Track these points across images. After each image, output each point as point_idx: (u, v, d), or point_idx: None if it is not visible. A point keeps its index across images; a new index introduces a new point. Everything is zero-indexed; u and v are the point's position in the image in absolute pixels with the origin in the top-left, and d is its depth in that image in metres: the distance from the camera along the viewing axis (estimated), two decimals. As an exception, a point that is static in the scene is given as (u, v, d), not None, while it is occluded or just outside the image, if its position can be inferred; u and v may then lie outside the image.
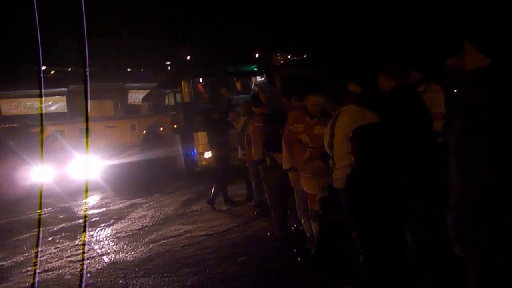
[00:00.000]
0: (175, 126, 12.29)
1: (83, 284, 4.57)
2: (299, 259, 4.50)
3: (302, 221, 4.82)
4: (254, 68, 12.18)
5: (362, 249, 3.50)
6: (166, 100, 14.47)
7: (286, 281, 4.19)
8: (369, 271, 3.53)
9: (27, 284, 4.79)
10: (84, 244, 6.22)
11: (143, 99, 19.51)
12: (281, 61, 15.26)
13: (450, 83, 5.21)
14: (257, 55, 12.58)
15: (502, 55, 1.78)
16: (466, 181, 1.76)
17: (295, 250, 4.66)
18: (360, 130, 3.45)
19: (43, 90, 22.37)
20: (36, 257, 5.77)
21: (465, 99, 1.85)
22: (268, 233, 5.69)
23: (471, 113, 1.76)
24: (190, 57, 11.51)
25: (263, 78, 12.22)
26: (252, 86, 12.49)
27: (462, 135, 1.79)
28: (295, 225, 5.65)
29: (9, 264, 5.57)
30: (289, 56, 16.14)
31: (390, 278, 3.53)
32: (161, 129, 14.21)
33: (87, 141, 17.23)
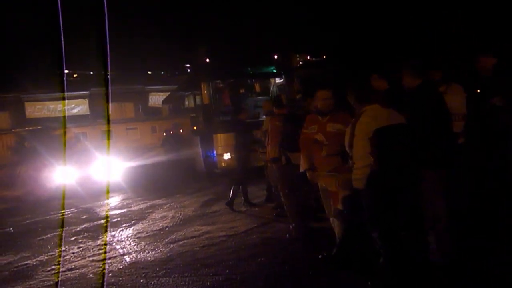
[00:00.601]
0: (195, 128, 12.40)
1: (105, 283, 4.66)
2: (319, 256, 4.50)
3: (331, 220, 4.80)
4: (272, 69, 12.20)
5: (382, 249, 3.48)
6: (186, 102, 14.61)
7: (304, 282, 4.18)
8: (389, 272, 3.50)
9: (51, 283, 4.91)
10: (106, 244, 6.32)
11: (163, 102, 19.74)
12: (300, 62, 15.26)
13: (473, 83, 5.17)
14: (276, 57, 12.59)
15: None
16: None
17: (320, 256, 4.63)
18: (381, 132, 3.43)
19: (66, 93, 22.87)
20: (60, 256, 5.89)
21: None
22: (287, 235, 5.70)
23: None
24: (209, 60, 11.60)
25: (282, 80, 12.23)
26: (271, 88, 12.49)
27: None
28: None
29: (34, 263, 5.71)
30: (308, 57, 16.13)
31: (408, 279, 3.51)
32: (181, 131, 14.35)
33: (108, 143, 17.52)
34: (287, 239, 5.59)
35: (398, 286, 3.50)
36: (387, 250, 3.48)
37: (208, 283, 4.37)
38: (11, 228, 8.06)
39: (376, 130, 3.43)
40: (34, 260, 5.84)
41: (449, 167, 3.93)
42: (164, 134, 15.32)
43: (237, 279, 4.42)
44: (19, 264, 5.74)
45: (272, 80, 12.55)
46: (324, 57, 16.79)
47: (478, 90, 5.53)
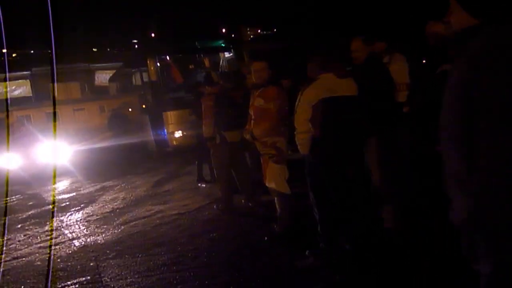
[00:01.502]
0: (144, 106, 12.11)
1: (53, 269, 4.54)
2: (265, 238, 4.56)
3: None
4: (221, 43, 12.02)
5: (317, 212, 3.65)
6: (134, 80, 14.20)
7: (255, 255, 4.25)
8: (323, 236, 3.67)
9: (-4, 273, 4.73)
10: (54, 230, 6.13)
11: (110, 80, 19.09)
12: (251, 36, 15.11)
13: (418, 52, 5.28)
14: (223, 30, 12.40)
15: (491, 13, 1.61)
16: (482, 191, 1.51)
17: (274, 226, 4.71)
18: (328, 101, 3.48)
19: (4, 75, 21.63)
20: (5, 245, 5.67)
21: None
22: (215, 206, 5.98)
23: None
24: (154, 34, 11.25)
25: (232, 54, 12.09)
26: (221, 63, 12.35)
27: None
28: (243, 200, 5.95)
29: (-23, 254, 5.46)
30: (259, 31, 15.98)
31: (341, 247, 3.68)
32: (130, 109, 13.97)
33: (54, 125, 16.83)
34: (237, 214, 5.66)
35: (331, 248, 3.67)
36: (323, 217, 3.64)
37: (160, 262, 4.36)
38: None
39: (323, 99, 3.48)
40: (-23, 251, 5.59)
41: (391, 134, 4.06)
42: (109, 114, 14.83)
43: (189, 255, 4.43)
44: (-40, 256, 5.48)
45: (221, 55, 12.39)
46: (275, 30, 16.72)
47: (424, 61, 5.69)
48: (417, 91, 4.67)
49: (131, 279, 4.05)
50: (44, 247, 5.37)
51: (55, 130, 15.54)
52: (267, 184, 4.49)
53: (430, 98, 4.98)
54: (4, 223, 6.57)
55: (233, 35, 12.78)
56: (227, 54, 12.23)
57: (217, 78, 6.35)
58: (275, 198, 4.56)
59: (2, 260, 5.10)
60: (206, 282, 3.78)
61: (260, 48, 11.86)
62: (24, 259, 5.02)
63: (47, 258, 4.96)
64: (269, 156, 4.37)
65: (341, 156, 3.55)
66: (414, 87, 4.54)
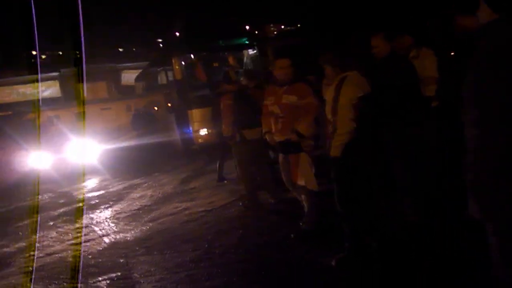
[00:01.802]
0: (169, 105, 12.23)
1: (85, 265, 4.65)
2: (292, 236, 4.53)
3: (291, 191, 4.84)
4: (245, 41, 12.02)
5: (347, 220, 3.61)
6: (159, 79, 14.35)
7: (282, 252, 4.25)
8: (349, 238, 3.63)
9: (30, 269, 4.87)
10: (84, 227, 6.27)
11: (136, 79, 19.35)
12: (275, 32, 15.06)
13: (446, 46, 5.18)
14: (247, 28, 12.41)
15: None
16: (487, 140, 1.64)
17: (300, 223, 4.69)
18: (364, 98, 3.48)
19: (35, 76, 22.23)
20: (38, 242, 5.84)
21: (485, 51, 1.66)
22: (240, 203, 6.00)
23: (493, 64, 1.60)
24: (179, 33, 11.35)
25: (255, 51, 12.09)
26: (245, 60, 12.36)
27: (482, 87, 1.64)
28: (269, 198, 5.93)
29: (12, 250, 5.64)
30: (282, 27, 15.91)
31: (367, 246, 3.64)
32: (155, 108, 14.14)
33: (83, 124, 17.18)
34: (264, 211, 5.66)
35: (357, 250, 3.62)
36: (352, 221, 3.61)
37: (188, 258, 4.41)
38: (-14, 217, 7.92)
39: (361, 96, 3.48)
40: (12, 247, 5.77)
41: (419, 129, 4.00)
42: (133, 113, 15.02)
43: (216, 252, 4.47)
44: (-3, 252, 5.67)
45: (245, 52, 12.40)
46: (299, 26, 16.59)
47: (452, 53, 5.57)
48: (446, 85, 4.58)
49: (160, 275, 4.11)
50: (76, 244, 5.51)
51: (83, 129, 15.88)
52: (298, 182, 4.44)
53: (459, 92, 4.91)
54: (38, 221, 6.78)
55: (256, 32, 12.78)
56: (251, 51, 12.23)
57: (235, 76, 6.38)
58: (303, 196, 4.53)
59: (36, 256, 5.25)
60: (234, 279, 3.80)
61: (284, 44, 11.80)
62: (57, 255, 5.17)
63: (79, 254, 5.08)
64: (305, 149, 4.33)
65: (375, 156, 3.55)
66: (443, 81, 4.45)
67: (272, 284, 3.66)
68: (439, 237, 3.69)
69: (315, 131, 4.40)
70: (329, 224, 4.42)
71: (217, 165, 7.66)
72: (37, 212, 7.21)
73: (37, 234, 6.20)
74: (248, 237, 4.85)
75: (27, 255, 5.38)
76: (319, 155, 4.67)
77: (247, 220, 5.46)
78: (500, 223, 1.71)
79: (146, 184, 8.64)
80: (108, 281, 4.18)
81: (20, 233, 6.39)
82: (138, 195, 7.81)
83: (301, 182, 4.41)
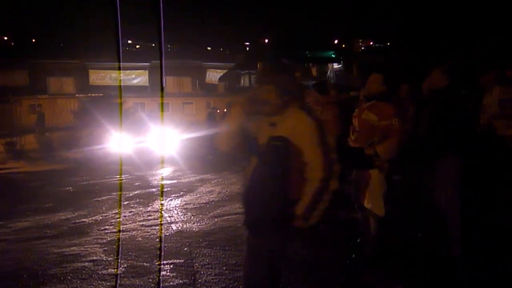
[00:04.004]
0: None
1: (152, 248, 4.94)
2: (353, 256, 4.47)
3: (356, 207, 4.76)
4: (331, 54, 12.06)
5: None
6: (242, 81, 14.76)
7: (339, 271, 4.22)
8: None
9: (104, 241, 5.26)
10: (155, 211, 6.64)
11: (220, 79, 20.02)
12: (362, 48, 14.92)
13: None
14: (336, 42, 12.43)
15: None
16: None
17: (358, 240, 4.65)
18: None
19: (127, 64, 23.72)
20: (113, 218, 6.29)
21: None
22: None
23: None
24: (268, 40, 11.64)
25: (340, 66, 12.08)
26: (328, 73, 12.38)
27: None
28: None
29: (89, 221, 6.13)
30: (371, 43, 15.69)
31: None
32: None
33: (163, 115, 18.05)
34: (329, 225, 5.64)
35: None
36: None
37: (234, 262, 4.52)
38: (70, 188, 8.65)
39: None
40: (90, 219, 6.26)
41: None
42: (210, 110, 15.52)
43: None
44: (76, 221, 6.18)
45: (330, 65, 12.43)
46: (388, 44, 16.28)
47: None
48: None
49: (219, 270, 4.27)
50: (146, 226, 5.85)
51: (164, 119, 16.68)
52: (365, 205, 4.36)
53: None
54: (115, 198, 7.28)
55: (344, 46, 12.75)
56: (335, 65, 12.23)
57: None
58: (370, 219, 4.47)
59: (109, 231, 5.67)
60: (292, 285, 3.85)
61: (372, 61, 11.69)
62: (128, 233, 5.53)
63: (148, 236, 5.40)
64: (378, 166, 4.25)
65: None
66: None
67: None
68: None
69: (395, 156, 4.26)
70: (394, 251, 4.34)
71: None
72: (116, 191, 7.73)
73: (112, 211, 6.68)
74: (309, 248, 4.86)
75: (102, 228, 5.81)
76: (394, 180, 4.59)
77: (311, 231, 5.47)
78: None
79: (215, 181, 8.93)
80: (171, 266, 4.41)
81: (98, 207, 6.90)
82: (207, 189, 8.11)
83: (368, 204, 4.31)
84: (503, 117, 4.92)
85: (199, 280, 4.09)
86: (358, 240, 4.66)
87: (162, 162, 10.77)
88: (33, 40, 29.96)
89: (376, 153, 4.16)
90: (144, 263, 4.49)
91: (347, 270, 4.20)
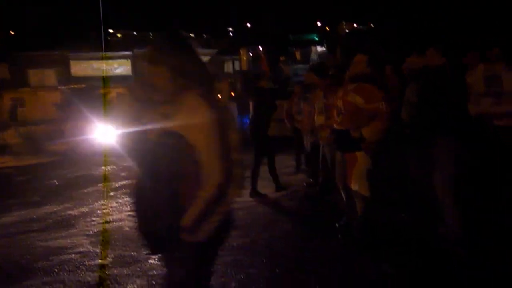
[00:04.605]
0: (232, 93, 12.51)
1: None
2: (339, 236, 4.53)
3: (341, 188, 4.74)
4: (315, 37, 12.02)
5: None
6: (225, 67, 14.70)
7: (327, 255, 4.25)
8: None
9: (91, 232, 5.25)
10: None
11: (204, 65, 19.87)
12: (346, 31, 14.91)
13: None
14: (319, 24, 12.38)
15: None
16: None
17: (343, 222, 4.69)
18: None
19: (109, 53, 23.37)
20: (99, 209, 6.26)
21: None
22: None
23: None
24: (250, 25, 11.54)
25: (324, 48, 12.06)
26: (311, 56, 12.36)
27: None
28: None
29: (76, 213, 6.10)
30: (355, 26, 15.69)
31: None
32: (219, 96, 14.45)
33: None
34: (315, 208, 5.70)
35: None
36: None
37: (235, 244, 4.54)
38: (55, 181, 8.58)
39: None
40: (76, 211, 6.24)
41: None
42: None
43: (262, 243, 4.58)
44: (62, 214, 6.15)
45: (313, 48, 12.41)
46: (372, 25, 16.29)
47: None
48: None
49: (207, 256, 4.29)
50: (133, 216, 5.81)
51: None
52: (351, 187, 4.36)
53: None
54: (101, 190, 7.25)
55: (327, 29, 12.72)
56: (319, 48, 12.21)
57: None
58: (356, 202, 4.49)
59: (96, 222, 5.65)
60: (277, 270, 3.89)
61: (356, 44, 11.67)
62: (115, 223, 5.53)
63: (135, 226, 5.39)
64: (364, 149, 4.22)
65: None
66: None
67: (309, 282, 3.69)
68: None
69: (382, 137, 4.24)
70: (381, 233, 4.39)
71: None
72: (102, 182, 7.69)
73: (99, 202, 6.65)
74: (295, 232, 4.92)
75: (89, 220, 5.79)
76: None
77: (297, 217, 5.53)
78: None
79: (202, 169, 8.91)
80: (159, 254, 4.42)
81: (84, 199, 6.87)
82: (194, 177, 8.09)
83: (354, 186, 4.32)
84: (489, 95, 4.95)
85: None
86: (343, 222, 4.71)
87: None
88: (12, 33, 29.35)
89: (362, 136, 4.15)
90: (132, 253, 4.49)
91: (338, 258, 4.23)
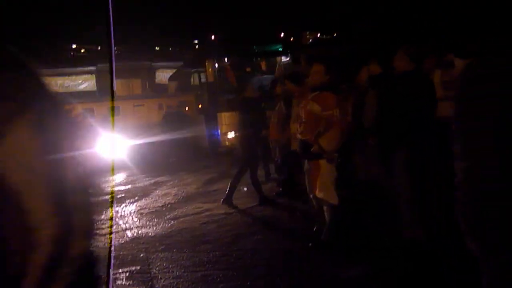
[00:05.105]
0: (200, 106, 12.44)
1: (107, 257, 4.80)
2: (310, 245, 4.56)
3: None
4: (279, 48, 12.12)
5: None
6: (192, 80, 14.60)
7: (298, 261, 4.28)
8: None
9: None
10: (109, 219, 6.45)
11: (170, 78, 19.69)
12: (310, 40, 15.07)
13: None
14: (282, 35, 12.50)
15: None
16: (474, 171, 1.61)
17: (315, 229, 4.72)
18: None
19: (73, 69, 22.95)
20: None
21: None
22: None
23: None
24: (214, 36, 11.55)
25: (288, 58, 12.15)
26: (277, 67, 12.43)
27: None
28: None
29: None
30: (318, 35, 15.87)
31: None
32: (187, 108, 14.37)
33: (113, 120, 17.54)
34: (285, 217, 5.70)
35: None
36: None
37: (205, 259, 4.50)
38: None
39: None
40: (39, 233, 6.01)
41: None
42: (166, 112, 15.24)
43: (234, 255, 4.54)
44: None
45: (278, 59, 12.49)
46: (335, 35, 16.52)
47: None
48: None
49: (177, 273, 4.22)
50: (100, 235, 5.64)
51: (114, 124, 16.21)
52: (316, 194, 4.43)
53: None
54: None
55: (291, 39, 12.85)
56: (284, 59, 12.30)
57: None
58: (324, 207, 4.54)
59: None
60: (248, 283, 3.86)
61: (319, 53, 11.83)
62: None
63: (102, 245, 5.24)
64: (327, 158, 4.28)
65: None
66: None
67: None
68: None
69: (339, 145, 4.32)
70: (349, 237, 4.43)
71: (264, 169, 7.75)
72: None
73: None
74: (266, 242, 4.90)
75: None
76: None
77: (267, 226, 5.53)
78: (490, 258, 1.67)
79: (171, 183, 8.81)
80: (127, 274, 4.31)
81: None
82: (162, 192, 7.99)
83: (319, 194, 4.38)
84: (448, 99, 5.08)
85: (157, 286, 4.03)
86: (315, 229, 4.74)
87: (115, 168, 10.49)
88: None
89: (320, 146, 4.22)
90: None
91: (306, 260, 4.25)
